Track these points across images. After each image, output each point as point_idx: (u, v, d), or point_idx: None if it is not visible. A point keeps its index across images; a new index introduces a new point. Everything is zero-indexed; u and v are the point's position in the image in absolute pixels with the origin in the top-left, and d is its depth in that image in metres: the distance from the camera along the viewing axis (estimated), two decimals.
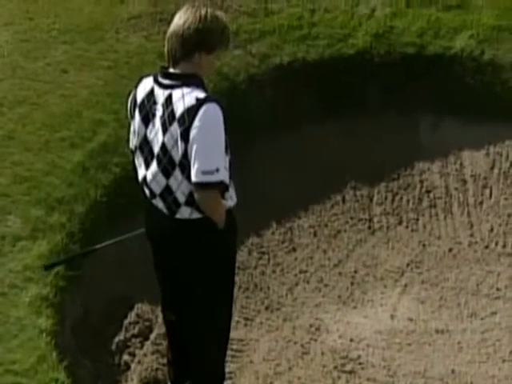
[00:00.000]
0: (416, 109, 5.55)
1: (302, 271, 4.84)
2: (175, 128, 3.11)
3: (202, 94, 3.11)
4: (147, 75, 3.31)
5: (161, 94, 3.16)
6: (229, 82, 5.39)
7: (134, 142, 3.33)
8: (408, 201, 5.27)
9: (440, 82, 5.53)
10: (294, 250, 4.87)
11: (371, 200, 5.25)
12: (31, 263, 3.84)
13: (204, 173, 3.08)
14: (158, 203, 3.28)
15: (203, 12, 3.12)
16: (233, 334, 4.02)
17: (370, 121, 5.51)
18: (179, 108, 3.10)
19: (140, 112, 3.25)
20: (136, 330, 4.06)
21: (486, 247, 4.94)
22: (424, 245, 5.00)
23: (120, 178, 4.67)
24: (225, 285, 3.40)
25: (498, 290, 4.63)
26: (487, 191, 5.25)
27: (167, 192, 3.23)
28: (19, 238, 3.98)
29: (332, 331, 4.39)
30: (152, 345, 4.01)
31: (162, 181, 3.22)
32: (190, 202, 3.20)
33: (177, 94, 3.12)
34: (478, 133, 5.41)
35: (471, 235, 5.03)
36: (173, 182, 3.20)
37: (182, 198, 3.21)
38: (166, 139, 3.17)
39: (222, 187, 3.14)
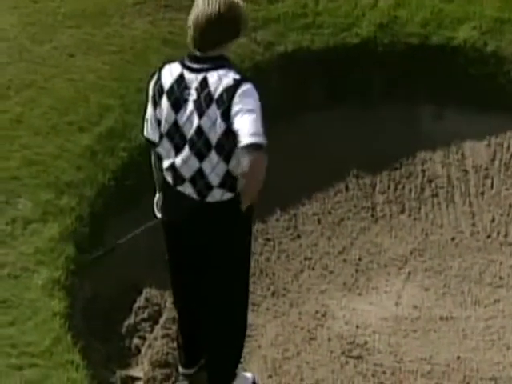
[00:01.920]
0: (419, 99, 5.58)
1: (307, 258, 4.87)
2: (213, 109, 3.17)
3: (237, 75, 3.18)
4: (170, 61, 3.33)
5: (193, 78, 3.19)
6: None
7: (157, 130, 3.31)
8: (410, 190, 5.31)
9: (443, 73, 5.57)
10: (299, 236, 4.90)
11: (374, 188, 5.29)
12: (42, 246, 3.84)
13: (253, 135, 3.11)
14: (186, 188, 3.30)
15: None
16: None
17: (374, 110, 5.53)
18: (217, 89, 3.15)
19: (169, 98, 3.28)
20: (145, 314, 4.07)
21: (488, 237, 4.99)
22: (426, 233, 5.05)
23: (127, 162, 4.68)
24: (248, 255, 3.49)
25: (500, 278, 4.69)
26: (488, 182, 5.30)
27: (199, 175, 3.27)
28: (30, 221, 3.97)
29: (338, 317, 4.43)
30: (162, 329, 4.02)
31: (195, 164, 3.28)
32: (223, 183, 3.25)
33: (212, 76, 3.16)
34: (480, 124, 5.46)
35: (473, 225, 5.08)
36: (206, 165, 3.25)
37: (215, 181, 3.26)
38: (202, 122, 3.21)
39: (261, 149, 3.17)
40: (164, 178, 3.40)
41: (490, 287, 4.62)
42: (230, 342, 3.59)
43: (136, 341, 3.93)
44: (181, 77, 3.25)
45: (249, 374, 3.85)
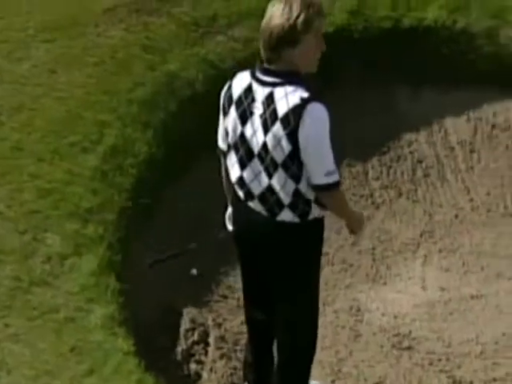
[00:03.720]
0: (395, 81, 5.65)
1: (324, 253, 4.84)
2: (278, 128, 3.00)
3: (306, 93, 2.98)
4: (243, 70, 3.16)
5: (260, 92, 3.03)
6: (216, 69, 5.28)
7: (226, 140, 3.17)
8: (402, 173, 5.36)
9: (417, 54, 5.63)
10: None
11: (367, 175, 5.29)
12: (86, 282, 3.60)
13: (326, 174, 3.00)
14: (256, 205, 3.16)
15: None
16: None
17: (352, 96, 5.57)
18: (282, 108, 2.97)
19: (237, 109, 3.12)
20: (195, 337, 3.91)
21: (489, 210, 5.12)
22: (430, 214, 5.13)
23: (138, 179, 4.50)
24: (318, 279, 3.40)
25: None
26: (475, 156, 5.43)
27: (269, 192, 3.12)
28: (64, 256, 3.72)
29: (372, 310, 4.44)
30: (216, 349, 3.88)
31: (265, 180, 3.12)
32: (294, 204, 3.10)
33: (279, 92, 2.99)
34: (457, 100, 5.57)
35: (471, 200, 5.20)
36: (275, 183, 3.09)
37: (286, 199, 3.10)
38: (267, 139, 3.06)
39: (339, 187, 3.10)
40: (234, 191, 3.25)
41: (506, 260, 4.75)
42: (302, 354, 3.50)
43: (194, 366, 3.78)
44: (249, 88, 3.08)
45: (316, 382, 3.81)
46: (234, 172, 3.18)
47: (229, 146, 3.17)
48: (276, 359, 3.63)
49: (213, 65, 5.23)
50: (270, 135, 3.05)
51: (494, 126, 5.52)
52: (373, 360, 4.04)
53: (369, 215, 5.08)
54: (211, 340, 3.94)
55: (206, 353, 3.89)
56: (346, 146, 5.39)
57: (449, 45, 5.68)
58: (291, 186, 3.08)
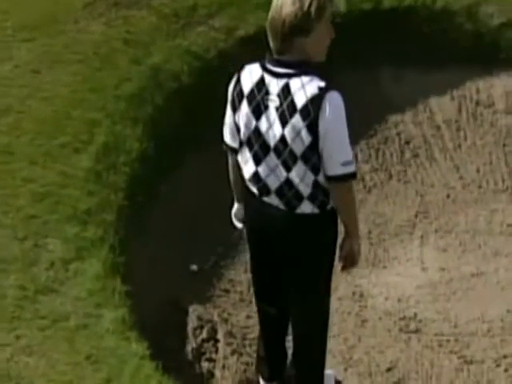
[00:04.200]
0: (378, 63, 5.63)
1: None
2: (297, 120, 2.94)
3: (322, 83, 2.94)
4: (251, 63, 3.08)
5: (274, 84, 2.95)
6: (200, 60, 5.20)
7: (235, 136, 3.09)
8: (391, 154, 5.35)
9: (398, 34, 5.62)
10: None
11: (356, 159, 5.30)
12: (93, 287, 3.53)
13: (344, 164, 2.96)
14: (273, 200, 3.10)
15: None
16: None
17: (336, 79, 5.53)
18: (301, 99, 2.91)
19: (249, 103, 3.03)
20: (204, 334, 3.85)
21: (480, 187, 5.14)
22: (422, 195, 5.13)
23: (132, 177, 4.42)
24: (331, 272, 3.37)
25: (508, 225, 4.83)
26: (462, 134, 5.44)
27: (287, 186, 3.06)
28: (67, 261, 3.64)
29: (375, 295, 4.43)
30: (226, 346, 3.84)
31: (283, 174, 3.05)
32: (314, 195, 3.06)
33: (296, 83, 2.93)
34: (440, 79, 5.58)
35: (461, 178, 5.21)
36: (294, 175, 3.03)
37: (306, 191, 3.05)
38: (285, 132, 2.98)
39: (355, 178, 3.06)
40: (246, 188, 3.18)
41: (502, 236, 4.78)
42: (318, 343, 3.48)
43: (206, 364, 3.72)
44: (261, 81, 2.99)
45: (329, 371, 3.80)
46: (248, 168, 3.11)
47: (241, 143, 3.09)
48: (291, 351, 3.62)
49: (197, 56, 5.15)
50: (288, 127, 2.99)
51: (478, 104, 5.54)
52: (382, 345, 4.03)
53: (362, 199, 5.06)
54: (220, 336, 3.89)
55: (217, 350, 3.84)
56: None
57: (430, 24, 5.67)
58: (310, 177, 3.04)
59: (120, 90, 4.72)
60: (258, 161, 3.09)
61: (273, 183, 3.10)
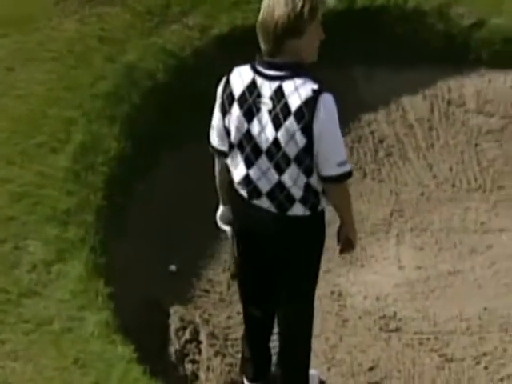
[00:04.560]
0: (351, 62, 5.66)
1: None
2: (292, 123, 2.92)
3: (315, 85, 2.92)
4: (240, 65, 3.03)
5: (267, 86, 2.92)
6: (175, 59, 5.16)
7: (224, 140, 3.06)
8: (365, 153, 5.39)
9: (370, 34, 5.67)
10: None
11: None
12: (76, 288, 3.47)
13: (339, 164, 2.97)
14: (263, 203, 3.09)
15: None
16: None
17: None
18: (295, 101, 2.90)
19: (241, 106, 2.99)
20: (187, 335, 3.82)
21: (453, 186, 5.20)
22: (396, 193, 5.17)
23: (110, 176, 4.36)
24: (319, 273, 3.38)
25: (482, 224, 4.91)
26: (434, 133, 5.50)
27: (279, 189, 3.05)
28: (49, 263, 3.57)
29: (354, 294, 4.45)
30: (209, 347, 3.82)
31: (274, 177, 3.04)
32: (305, 197, 3.07)
33: (289, 86, 2.90)
34: (412, 78, 5.62)
35: (434, 177, 5.27)
36: (286, 178, 3.03)
37: (298, 194, 3.05)
38: (279, 135, 2.97)
39: (351, 176, 3.07)
40: (234, 191, 3.17)
41: (476, 234, 4.84)
42: (304, 342, 3.48)
43: (190, 366, 3.68)
44: (253, 83, 2.96)
45: (313, 371, 3.80)
46: (239, 171, 3.09)
47: (231, 145, 3.06)
48: (275, 351, 3.62)
49: (172, 54, 5.11)
50: (282, 130, 2.97)
51: (449, 103, 5.61)
52: (363, 344, 4.05)
53: None
54: (203, 338, 3.87)
55: (200, 351, 3.81)
56: None
57: (401, 24, 5.72)
58: (303, 179, 3.04)
59: (96, 88, 4.65)
60: (249, 164, 3.07)
61: (264, 186, 3.09)
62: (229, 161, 3.12)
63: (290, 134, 2.95)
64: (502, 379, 3.78)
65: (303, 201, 3.08)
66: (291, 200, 3.08)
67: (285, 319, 3.39)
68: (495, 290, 4.41)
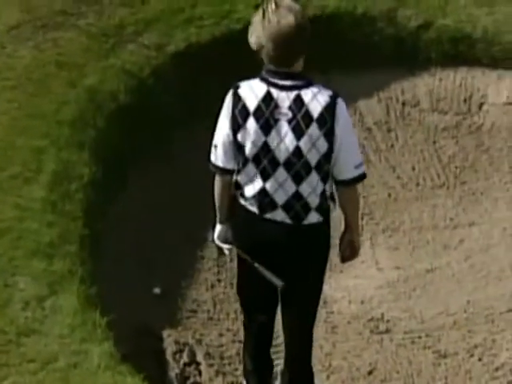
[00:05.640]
0: (306, 69, 5.69)
1: None
2: (314, 129, 2.97)
3: (330, 91, 3.03)
4: (245, 80, 3.05)
5: (284, 97, 2.95)
6: (136, 79, 5.08)
7: (233, 158, 3.05)
8: None
9: (323, 41, 5.73)
10: None
11: None
12: (73, 322, 3.39)
13: (357, 166, 3.05)
14: (277, 215, 3.10)
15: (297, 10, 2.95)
16: None
17: None
18: (316, 108, 2.96)
19: (257, 120, 3.01)
20: (185, 358, 3.79)
21: (418, 185, 5.30)
22: (364, 196, 5.20)
23: (86, 204, 4.27)
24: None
25: (451, 219, 5.02)
26: (393, 134, 5.59)
27: (296, 199, 3.09)
28: (41, 298, 3.48)
29: (338, 299, 4.49)
30: (208, 367, 3.79)
31: (292, 188, 3.08)
32: (321, 205, 3.11)
33: (307, 94, 2.96)
34: (366, 82, 5.71)
35: (398, 177, 5.35)
36: (305, 187, 3.08)
37: (314, 202, 3.10)
38: (301, 143, 3.01)
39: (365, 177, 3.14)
40: (241, 207, 3.14)
41: (447, 230, 4.95)
42: (310, 348, 3.47)
43: None
44: (268, 95, 2.98)
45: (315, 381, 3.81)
46: (254, 185, 3.09)
47: (245, 160, 3.06)
48: (279, 361, 3.63)
49: (131, 74, 5.05)
50: (305, 138, 3.01)
51: (404, 104, 5.71)
52: (357, 349, 4.10)
53: None
54: (200, 359, 3.84)
55: (200, 372, 3.79)
56: None
57: (353, 29, 5.83)
58: (320, 187, 3.10)
59: (60, 114, 4.55)
60: (266, 177, 3.08)
61: (280, 198, 3.10)
62: (239, 177, 3.11)
63: (313, 141, 3.00)
64: (497, 369, 3.89)
65: (319, 208, 3.13)
66: (307, 209, 3.11)
67: (294, 325, 3.37)
68: (474, 283, 4.53)
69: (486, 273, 4.57)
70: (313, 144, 3.03)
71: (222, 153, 3.09)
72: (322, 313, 4.41)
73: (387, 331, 4.22)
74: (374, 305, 4.43)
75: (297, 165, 3.05)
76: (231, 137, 3.06)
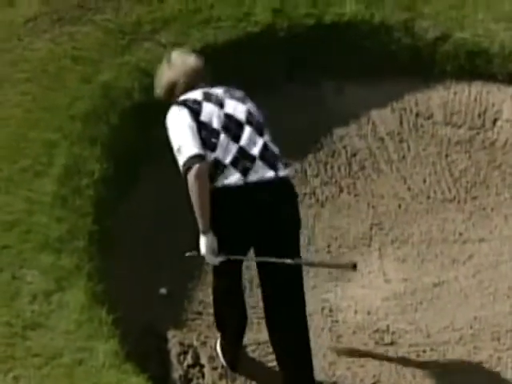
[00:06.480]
0: (322, 77, 5.66)
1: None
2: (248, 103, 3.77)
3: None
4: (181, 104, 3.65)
5: (217, 91, 3.71)
6: (151, 77, 5.04)
7: (200, 141, 3.45)
8: (339, 168, 5.40)
9: (340, 48, 5.70)
10: None
11: (306, 173, 5.31)
12: (80, 318, 3.37)
13: None
14: (259, 169, 3.53)
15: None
16: (259, 337, 3.95)
17: (279, 94, 5.55)
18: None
19: (210, 101, 3.65)
20: (189, 360, 3.76)
21: (428, 197, 5.26)
22: (373, 206, 5.20)
23: (97, 200, 4.25)
24: None
25: (460, 234, 4.99)
26: (405, 145, 5.56)
27: (265, 148, 3.63)
28: (49, 292, 3.46)
29: (344, 309, 4.45)
30: (212, 370, 3.77)
31: (259, 140, 3.63)
32: (281, 155, 3.68)
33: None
34: (380, 92, 5.67)
35: (409, 189, 5.32)
36: (266, 138, 3.68)
37: (276, 150, 3.68)
38: (248, 106, 3.70)
39: None
40: (224, 193, 3.42)
41: (456, 245, 4.91)
42: (306, 330, 3.70)
43: None
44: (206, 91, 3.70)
45: None
46: (232, 149, 3.53)
47: (217, 134, 3.53)
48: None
49: (146, 72, 5.02)
50: (248, 103, 3.73)
51: (417, 115, 5.67)
52: (362, 360, 4.06)
53: (315, 213, 5.09)
54: (204, 361, 3.81)
55: (203, 375, 3.76)
56: (280, 145, 5.43)
57: (369, 38, 5.80)
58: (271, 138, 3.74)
59: (74, 109, 4.53)
60: (237, 138, 3.59)
61: (255, 149, 3.60)
62: (217, 153, 3.50)
63: (253, 106, 3.77)
64: None
65: (281, 158, 3.67)
66: (276, 157, 3.64)
67: (287, 298, 3.65)
68: (481, 299, 4.50)
69: (493, 290, 4.55)
70: (254, 107, 3.76)
71: (195, 143, 3.47)
72: (326, 322, 4.39)
73: (392, 343, 4.19)
74: (379, 316, 4.39)
75: (254, 121, 3.69)
76: (196, 123, 3.54)
